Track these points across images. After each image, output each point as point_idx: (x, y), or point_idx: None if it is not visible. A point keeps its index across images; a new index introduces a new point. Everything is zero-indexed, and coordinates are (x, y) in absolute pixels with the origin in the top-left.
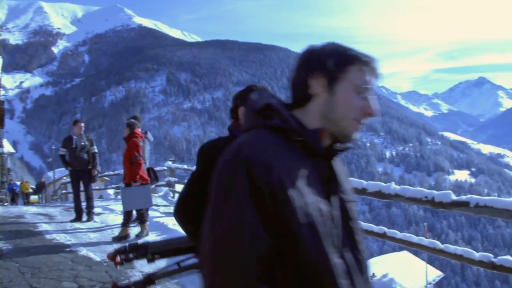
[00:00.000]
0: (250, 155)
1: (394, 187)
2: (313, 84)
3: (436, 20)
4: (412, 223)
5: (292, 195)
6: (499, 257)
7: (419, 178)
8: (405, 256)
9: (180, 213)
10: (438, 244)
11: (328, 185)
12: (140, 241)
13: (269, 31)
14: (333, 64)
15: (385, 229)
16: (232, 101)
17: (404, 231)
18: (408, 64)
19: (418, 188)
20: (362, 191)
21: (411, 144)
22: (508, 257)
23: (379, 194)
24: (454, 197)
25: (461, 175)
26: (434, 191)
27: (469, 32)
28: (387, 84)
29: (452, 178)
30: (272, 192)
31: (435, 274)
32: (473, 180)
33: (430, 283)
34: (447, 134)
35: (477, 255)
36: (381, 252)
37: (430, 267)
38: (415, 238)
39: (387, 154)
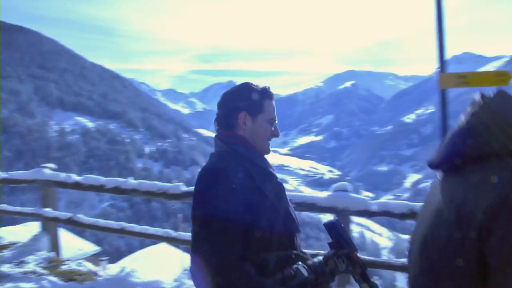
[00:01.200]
0: None
1: (131, 182)
2: None
3: (195, 24)
4: (171, 216)
5: None
6: None
7: (177, 172)
8: (162, 248)
9: (207, 255)
10: (171, 233)
11: None
12: None
13: (17, 10)
14: None
15: (124, 224)
16: (222, 104)
17: (164, 224)
18: (168, 63)
19: (154, 182)
20: (99, 188)
21: (169, 140)
22: None
23: (117, 190)
24: (184, 188)
25: None
26: (168, 184)
27: (222, 39)
28: (148, 80)
29: None
30: None
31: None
32: None
33: (187, 270)
34: (201, 131)
35: None
36: (142, 247)
37: (186, 255)
38: (150, 230)
39: (147, 149)
